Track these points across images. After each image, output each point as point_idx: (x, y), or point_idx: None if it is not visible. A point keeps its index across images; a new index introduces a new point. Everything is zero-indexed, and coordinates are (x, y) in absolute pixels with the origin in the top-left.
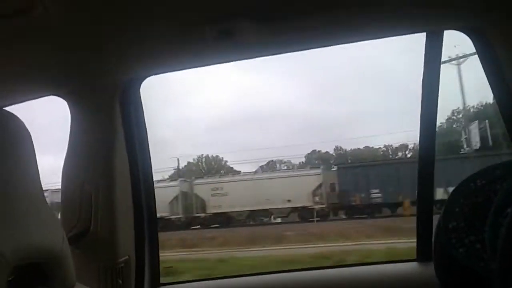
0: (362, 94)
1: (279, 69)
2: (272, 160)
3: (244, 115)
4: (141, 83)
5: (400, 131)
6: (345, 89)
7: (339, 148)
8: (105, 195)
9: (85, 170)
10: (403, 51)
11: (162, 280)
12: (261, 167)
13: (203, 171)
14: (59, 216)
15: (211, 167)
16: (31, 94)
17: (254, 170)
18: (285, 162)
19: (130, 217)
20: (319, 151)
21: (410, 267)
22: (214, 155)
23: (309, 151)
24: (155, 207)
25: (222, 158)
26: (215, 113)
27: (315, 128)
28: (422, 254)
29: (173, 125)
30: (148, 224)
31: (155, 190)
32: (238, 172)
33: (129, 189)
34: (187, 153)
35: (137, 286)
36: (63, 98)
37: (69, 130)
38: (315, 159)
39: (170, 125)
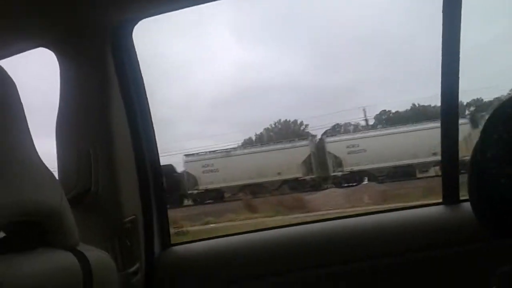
0: (366, 62)
1: (281, 41)
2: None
3: (246, 89)
4: (133, 27)
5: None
6: (349, 58)
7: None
8: (103, 151)
9: (80, 126)
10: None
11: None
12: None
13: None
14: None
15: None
16: (16, 46)
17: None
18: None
19: (133, 174)
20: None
21: (436, 210)
22: (292, 120)
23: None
24: (160, 163)
25: (302, 122)
26: (218, 87)
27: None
28: (449, 196)
29: (174, 104)
30: (153, 181)
31: (282, 151)
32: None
33: (130, 144)
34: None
35: (146, 247)
36: (50, 49)
37: (59, 85)
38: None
39: (171, 104)
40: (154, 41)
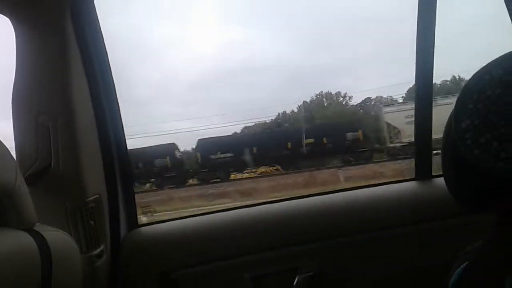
0: (352, 43)
1: (266, 22)
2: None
3: (231, 69)
4: None
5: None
6: (335, 39)
7: None
8: (64, 126)
9: (38, 99)
10: None
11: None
12: None
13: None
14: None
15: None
16: None
17: None
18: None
19: (96, 151)
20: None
21: (409, 186)
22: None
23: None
24: (125, 139)
25: (346, 93)
26: (199, 68)
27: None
28: (421, 172)
29: (152, 83)
30: (118, 159)
31: None
32: None
33: (92, 118)
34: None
35: (112, 228)
36: (5, 15)
37: (14, 54)
38: None
39: (148, 83)
40: (133, 16)
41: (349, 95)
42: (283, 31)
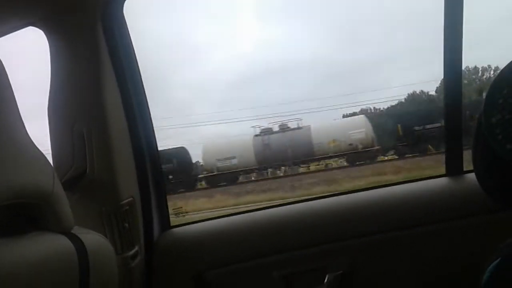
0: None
1: (301, 18)
2: None
3: (266, 68)
4: (123, 2)
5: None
6: (371, 32)
7: None
8: (98, 132)
9: (73, 108)
10: None
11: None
12: None
13: None
14: (51, 161)
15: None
16: (4, 26)
17: None
18: None
19: (129, 155)
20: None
21: (441, 182)
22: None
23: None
24: (156, 144)
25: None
26: (236, 67)
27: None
28: (452, 168)
29: (190, 84)
30: (150, 163)
31: None
32: None
33: (125, 124)
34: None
35: (145, 230)
36: (39, 27)
37: (49, 66)
38: None
39: (186, 85)
40: (173, 19)
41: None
42: (319, 26)
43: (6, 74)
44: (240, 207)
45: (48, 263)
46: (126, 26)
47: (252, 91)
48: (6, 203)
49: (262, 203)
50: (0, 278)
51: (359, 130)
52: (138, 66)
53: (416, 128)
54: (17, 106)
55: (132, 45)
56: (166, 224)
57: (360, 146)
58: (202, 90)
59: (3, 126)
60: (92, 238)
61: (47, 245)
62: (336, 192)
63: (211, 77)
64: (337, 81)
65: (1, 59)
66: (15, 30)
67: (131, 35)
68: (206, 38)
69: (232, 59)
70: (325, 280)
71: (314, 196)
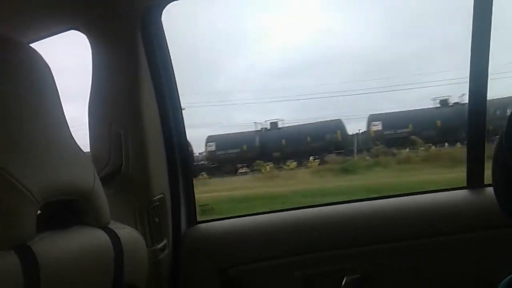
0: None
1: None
2: None
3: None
4: (162, 10)
5: None
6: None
7: None
8: (134, 133)
9: (111, 109)
10: None
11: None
12: None
13: None
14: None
15: None
16: (50, 28)
17: None
18: None
19: (162, 154)
20: None
21: (461, 194)
22: None
23: None
24: (187, 144)
25: None
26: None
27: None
28: (473, 180)
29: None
30: (180, 161)
31: None
32: None
33: (159, 125)
34: None
35: (174, 224)
36: (82, 31)
37: (91, 67)
38: None
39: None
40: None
41: None
42: (366, 19)
43: (53, 77)
44: None
45: (88, 255)
46: (163, 31)
47: (289, 82)
48: (52, 199)
49: None
50: (49, 265)
51: None
52: (173, 71)
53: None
54: (62, 107)
55: (168, 50)
56: (193, 220)
57: None
58: (242, 79)
59: (49, 127)
60: (127, 233)
61: (87, 239)
62: (359, 199)
63: (254, 66)
64: (372, 76)
65: (48, 63)
66: (59, 33)
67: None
68: (258, 30)
69: (279, 49)
70: (343, 283)
71: (337, 201)
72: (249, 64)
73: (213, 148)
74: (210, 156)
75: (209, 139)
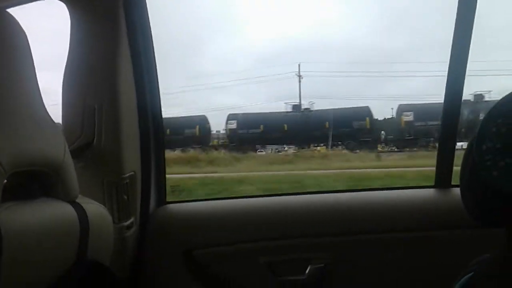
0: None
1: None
2: None
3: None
4: None
5: None
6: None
7: None
8: (108, 107)
9: (87, 82)
10: None
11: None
12: None
13: None
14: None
15: None
16: None
17: None
18: None
19: (135, 133)
20: None
21: (428, 193)
22: None
23: None
24: (162, 123)
25: None
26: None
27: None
28: (441, 180)
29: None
30: (154, 140)
31: None
32: None
33: (134, 101)
34: None
35: (142, 203)
36: (62, 1)
37: (69, 37)
38: None
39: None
40: None
41: None
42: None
43: (29, 45)
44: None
45: (53, 228)
46: (147, 7)
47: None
48: (19, 169)
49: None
50: (12, 236)
51: None
52: (153, 46)
53: None
54: (36, 77)
55: (149, 24)
56: (162, 200)
57: None
58: (227, 62)
59: (22, 95)
60: (94, 208)
61: (53, 212)
62: (330, 190)
63: (240, 51)
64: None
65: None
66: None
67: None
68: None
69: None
70: (307, 271)
71: (307, 191)
72: (236, 46)
73: (234, 126)
74: (231, 134)
75: (230, 117)
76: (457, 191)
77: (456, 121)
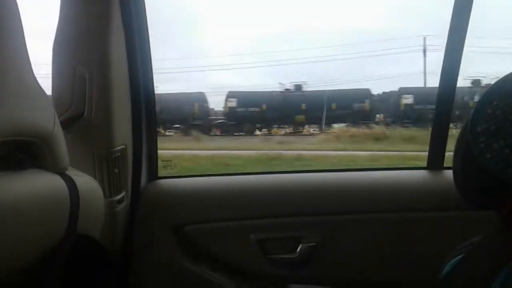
0: None
1: None
2: None
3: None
4: None
5: None
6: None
7: None
8: (99, 78)
9: (78, 51)
10: None
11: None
12: None
13: None
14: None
15: None
16: None
17: None
18: None
19: (126, 105)
20: None
21: (420, 175)
22: None
23: None
24: (154, 97)
25: None
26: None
27: None
28: (434, 162)
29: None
30: (146, 114)
31: None
32: None
33: (126, 73)
34: None
35: (134, 177)
36: None
37: (59, 3)
38: None
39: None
40: None
41: None
42: None
43: (19, 13)
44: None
45: (42, 199)
46: None
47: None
48: (7, 139)
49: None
50: (0, 206)
51: None
52: (146, 15)
53: None
54: (25, 45)
55: None
56: (153, 175)
57: None
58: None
59: (11, 64)
60: (84, 181)
61: (43, 183)
62: (322, 169)
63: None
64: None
65: None
66: None
67: None
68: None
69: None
70: (298, 249)
71: (298, 170)
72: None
73: (233, 104)
74: (230, 112)
75: (230, 95)
76: (449, 173)
77: (450, 105)
